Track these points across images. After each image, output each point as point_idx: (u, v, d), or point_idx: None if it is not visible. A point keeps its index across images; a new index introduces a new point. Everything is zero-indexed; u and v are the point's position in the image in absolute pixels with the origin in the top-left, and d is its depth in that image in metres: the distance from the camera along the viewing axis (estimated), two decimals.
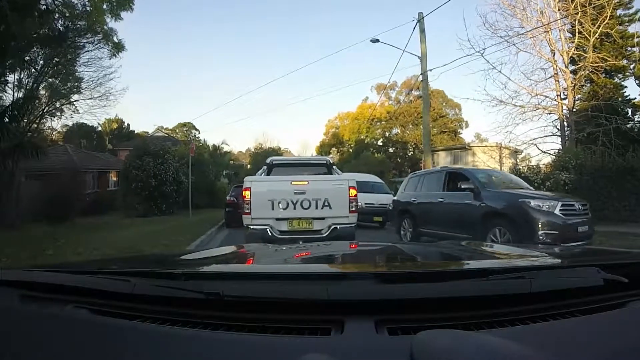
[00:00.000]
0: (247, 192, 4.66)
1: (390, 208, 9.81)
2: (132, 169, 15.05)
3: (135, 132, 35.58)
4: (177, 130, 35.91)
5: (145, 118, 67.94)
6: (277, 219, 4.69)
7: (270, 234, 4.59)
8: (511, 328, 0.64)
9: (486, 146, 20.67)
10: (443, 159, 21.80)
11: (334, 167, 6.03)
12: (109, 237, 7.62)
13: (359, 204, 6.47)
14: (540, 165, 12.79)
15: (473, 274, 0.81)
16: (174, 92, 63.89)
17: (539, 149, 15.32)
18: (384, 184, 13.31)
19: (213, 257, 1.44)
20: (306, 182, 4.77)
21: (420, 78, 12.43)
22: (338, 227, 4.68)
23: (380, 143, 34.35)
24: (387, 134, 34.54)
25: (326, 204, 4.68)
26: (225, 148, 32.20)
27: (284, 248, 1.57)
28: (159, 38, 59.74)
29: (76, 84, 13.59)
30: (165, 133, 27.09)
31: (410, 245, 2.09)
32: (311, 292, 0.71)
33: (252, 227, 4.68)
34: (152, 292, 0.74)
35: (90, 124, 31.37)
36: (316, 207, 4.66)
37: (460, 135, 32.95)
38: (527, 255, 1.27)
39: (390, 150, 33.47)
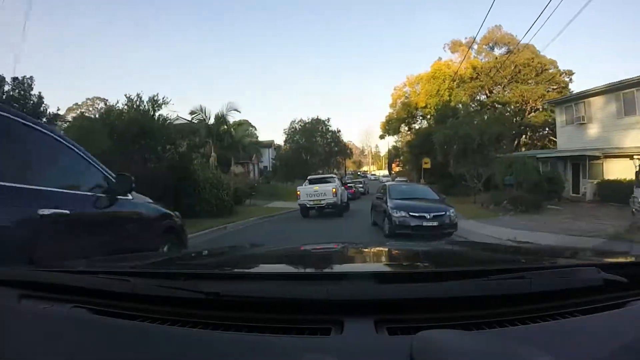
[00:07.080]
0: (299, 191, 13.51)
1: None
2: None
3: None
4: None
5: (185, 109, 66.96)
6: (309, 200, 13.06)
7: (306, 205, 13.03)
8: (511, 328, 0.64)
9: None
10: (601, 110, 14.24)
11: (340, 179, 16.79)
12: None
13: None
14: None
15: (473, 274, 0.80)
16: (219, 77, 62.13)
17: None
18: None
19: (213, 257, 1.45)
20: (318, 188, 13.23)
21: None
22: (330, 203, 12.92)
23: (472, 108, 25.50)
24: (477, 98, 26.51)
25: (325, 194, 12.96)
26: (237, 117, 21.19)
27: (284, 249, 1.58)
28: (203, 29, 58.32)
29: None
30: (186, 120, 20.11)
31: (410, 245, 2.10)
32: (311, 292, 0.71)
33: (300, 203, 13.22)
34: (151, 292, 0.74)
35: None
36: (322, 196, 12.94)
37: (570, 90, 23.82)
38: (527, 255, 1.27)
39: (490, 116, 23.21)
